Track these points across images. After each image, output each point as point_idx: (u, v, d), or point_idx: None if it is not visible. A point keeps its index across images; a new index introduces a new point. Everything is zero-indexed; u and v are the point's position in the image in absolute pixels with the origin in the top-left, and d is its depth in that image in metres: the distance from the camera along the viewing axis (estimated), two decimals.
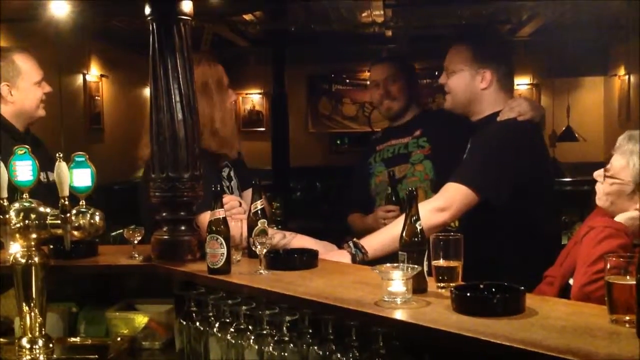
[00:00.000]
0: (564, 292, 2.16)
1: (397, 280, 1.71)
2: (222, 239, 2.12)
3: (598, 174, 2.26)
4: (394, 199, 3.09)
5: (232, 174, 2.85)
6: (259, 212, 2.27)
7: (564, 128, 7.85)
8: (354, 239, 2.43)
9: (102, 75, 7.42)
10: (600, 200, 2.25)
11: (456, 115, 2.84)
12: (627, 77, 7.74)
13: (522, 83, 8.82)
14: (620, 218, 2.15)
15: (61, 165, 2.00)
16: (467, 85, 2.73)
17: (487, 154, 2.60)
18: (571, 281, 2.14)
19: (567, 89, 8.56)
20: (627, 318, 1.49)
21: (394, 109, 3.32)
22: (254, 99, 9.79)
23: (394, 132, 3.35)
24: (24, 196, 2.07)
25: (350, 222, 3.32)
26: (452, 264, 1.83)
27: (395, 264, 1.80)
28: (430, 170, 3.15)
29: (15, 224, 2.04)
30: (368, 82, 3.63)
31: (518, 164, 2.57)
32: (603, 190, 2.23)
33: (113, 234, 4.16)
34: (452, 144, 2.82)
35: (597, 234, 2.08)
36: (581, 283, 2.02)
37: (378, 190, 3.27)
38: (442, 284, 1.83)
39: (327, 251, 2.42)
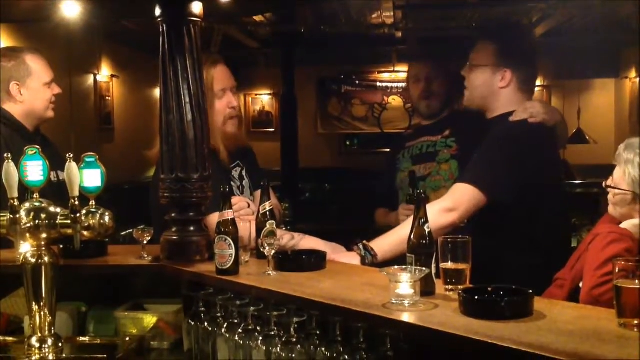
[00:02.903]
0: (574, 295, 2.16)
1: (405, 282, 1.71)
2: (230, 240, 2.12)
3: (605, 184, 2.29)
4: (413, 199, 3.11)
5: (243, 173, 2.86)
6: (268, 213, 2.27)
7: (574, 130, 7.82)
8: (364, 242, 2.42)
9: (112, 76, 7.44)
10: (610, 208, 2.28)
11: (482, 114, 2.83)
12: (638, 79, 7.70)
13: None
14: (626, 225, 2.18)
15: (71, 166, 2.01)
16: (486, 81, 2.74)
17: (495, 154, 2.60)
18: (581, 285, 2.15)
19: (577, 91, 8.54)
20: (636, 322, 1.49)
21: (433, 106, 3.32)
22: (263, 99, 9.81)
23: (425, 130, 3.36)
24: (35, 196, 2.08)
25: (376, 217, 3.36)
26: (460, 266, 1.83)
27: (403, 267, 1.80)
28: (456, 170, 3.15)
29: (25, 223, 2.05)
30: (406, 77, 3.62)
31: (526, 165, 2.56)
32: (609, 200, 2.27)
33: (123, 233, 4.18)
34: (479, 144, 2.75)
35: (602, 240, 2.11)
36: (589, 286, 2.03)
37: (402, 185, 3.29)
38: (450, 287, 1.83)
39: (336, 252, 2.42)
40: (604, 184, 2.29)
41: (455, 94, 3.37)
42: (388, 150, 3.69)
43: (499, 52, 2.74)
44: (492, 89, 2.74)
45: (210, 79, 2.73)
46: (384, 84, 9.59)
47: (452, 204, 2.48)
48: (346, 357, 1.76)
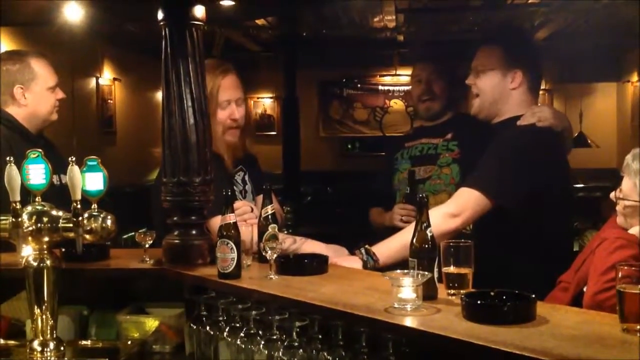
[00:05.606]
0: (578, 298, 2.15)
1: (407, 286, 1.71)
2: (232, 244, 2.12)
3: (613, 195, 2.24)
4: (411, 199, 3.05)
5: (246, 178, 2.85)
6: (270, 217, 2.27)
7: (576, 134, 7.81)
8: (366, 246, 2.42)
9: (114, 79, 7.45)
10: (619, 219, 2.24)
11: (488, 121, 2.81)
12: None
13: None
14: (633, 231, 2.15)
15: (74, 169, 2.01)
16: (497, 84, 2.71)
17: (502, 160, 2.56)
18: (585, 289, 2.14)
19: (579, 94, 8.53)
20: (639, 327, 1.49)
21: (433, 108, 3.29)
22: (265, 103, 9.81)
23: (426, 131, 3.33)
24: (37, 199, 2.09)
25: (370, 215, 3.32)
26: (463, 270, 1.83)
27: (406, 271, 1.80)
28: (457, 175, 3.12)
29: (27, 227, 2.05)
30: (410, 78, 3.60)
31: (533, 170, 2.53)
32: (618, 211, 2.22)
33: (124, 237, 4.18)
34: (481, 150, 2.72)
35: (609, 245, 2.08)
36: (593, 291, 2.02)
37: (400, 186, 3.26)
38: (452, 291, 1.83)
39: (338, 256, 2.42)
40: (612, 196, 2.23)
41: (457, 98, 3.36)
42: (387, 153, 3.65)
43: (508, 54, 2.71)
44: (503, 91, 2.71)
45: (217, 88, 2.71)
46: (386, 88, 9.59)
47: (456, 209, 2.46)
48: None
